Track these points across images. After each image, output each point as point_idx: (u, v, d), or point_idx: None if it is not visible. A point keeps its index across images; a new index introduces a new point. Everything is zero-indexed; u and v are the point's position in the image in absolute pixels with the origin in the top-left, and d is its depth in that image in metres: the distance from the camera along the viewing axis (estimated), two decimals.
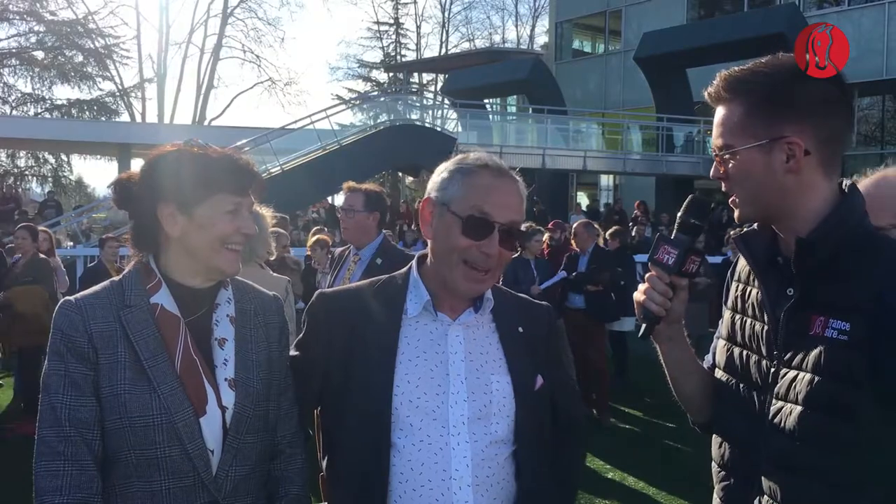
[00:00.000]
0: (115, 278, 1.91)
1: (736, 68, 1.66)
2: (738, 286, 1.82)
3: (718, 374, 1.81)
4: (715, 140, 1.69)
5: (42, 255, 8.10)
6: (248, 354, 1.89)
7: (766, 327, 1.68)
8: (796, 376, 1.57)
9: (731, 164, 1.66)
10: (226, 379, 1.84)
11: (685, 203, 1.75)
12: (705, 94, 1.70)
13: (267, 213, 4.23)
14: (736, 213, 1.71)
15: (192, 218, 1.82)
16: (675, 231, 1.75)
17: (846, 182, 1.67)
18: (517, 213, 1.86)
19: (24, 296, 7.33)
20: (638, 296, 1.74)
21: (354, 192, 4.50)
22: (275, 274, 4.49)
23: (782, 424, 1.58)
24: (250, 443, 1.85)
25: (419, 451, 1.79)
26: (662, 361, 1.88)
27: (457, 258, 1.84)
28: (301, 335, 2.05)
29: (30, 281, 7.55)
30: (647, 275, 1.74)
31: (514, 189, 1.87)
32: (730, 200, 1.70)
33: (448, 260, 1.85)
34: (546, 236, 9.92)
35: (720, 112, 1.68)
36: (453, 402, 1.82)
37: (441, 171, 1.92)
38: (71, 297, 1.84)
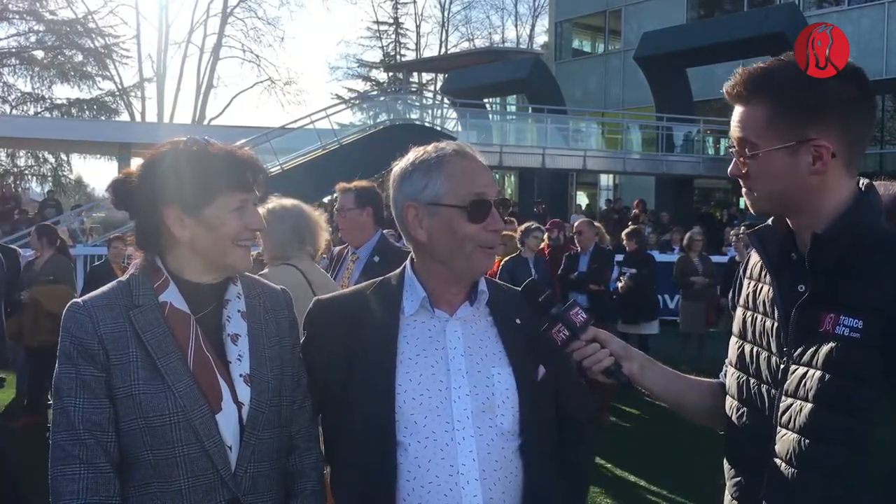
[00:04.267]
0: (122, 278, 1.90)
1: (756, 66, 1.65)
2: (749, 283, 1.82)
3: (730, 370, 1.82)
4: (735, 139, 1.68)
5: (62, 255, 8.07)
6: (260, 350, 1.89)
7: (776, 324, 1.68)
8: (806, 373, 1.57)
9: (753, 164, 1.65)
10: (241, 375, 1.83)
11: (526, 292, 1.88)
12: (723, 90, 1.69)
13: (319, 214, 4.06)
14: (750, 204, 1.71)
15: (199, 220, 1.81)
16: (544, 316, 1.85)
17: (863, 181, 1.67)
18: (496, 184, 1.93)
19: (49, 295, 7.26)
20: (591, 368, 1.83)
21: (345, 191, 4.47)
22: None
23: (792, 421, 1.59)
24: (267, 439, 1.85)
25: (425, 447, 1.80)
26: (655, 395, 1.94)
27: (471, 246, 1.86)
28: (301, 343, 2.05)
29: (51, 281, 7.53)
30: (574, 353, 1.83)
31: (484, 165, 1.93)
32: (744, 192, 1.71)
33: (462, 251, 1.86)
34: (545, 236, 9.91)
35: (740, 110, 1.67)
36: (456, 396, 1.83)
37: (405, 176, 1.92)
38: (79, 300, 1.83)
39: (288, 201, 3.89)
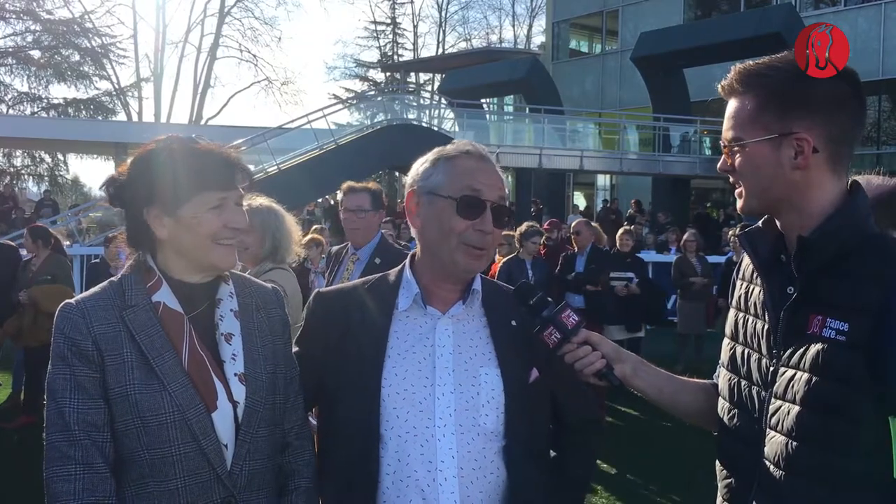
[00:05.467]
0: (114, 278, 1.89)
1: (751, 62, 1.66)
2: (742, 284, 1.82)
3: (722, 372, 1.82)
4: (725, 132, 1.69)
5: (59, 255, 7.98)
6: (254, 348, 1.90)
7: (766, 326, 1.68)
8: (794, 375, 1.57)
9: (738, 157, 1.66)
10: (235, 374, 1.84)
11: (518, 294, 1.89)
12: (719, 87, 1.70)
13: (291, 217, 4.02)
14: (739, 204, 1.72)
15: (178, 219, 1.81)
16: (536, 319, 1.85)
17: (850, 180, 1.66)
18: (503, 191, 1.94)
19: (48, 295, 7.22)
20: (582, 371, 1.83)
21: (359, 191, 4.47)
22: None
23: (780, 424, 1.58)
24: (262, 436, 1.86)
25: (405, 442, 1.81)
26: (648, 397, 1.93)
27: (456, 241, 1.87)
28: (299, 334, 2.08)
29: (49, 280, 7.50)
30: (565, 356, 1.83)
31: (496, 170, 1.95)
32: (736, 192, 1.71)
33: (447, 244, 1.88)
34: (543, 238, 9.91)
35: (732, 105, 1.68)
36: (440, 393, 1.84)
37: (422, 163, 1.96)
38: (71, 300, 1.83)
39: (267, 203, 3.79)
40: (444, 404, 1.84)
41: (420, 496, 1.78)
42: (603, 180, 33.27)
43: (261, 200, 3.74)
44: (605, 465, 6.72)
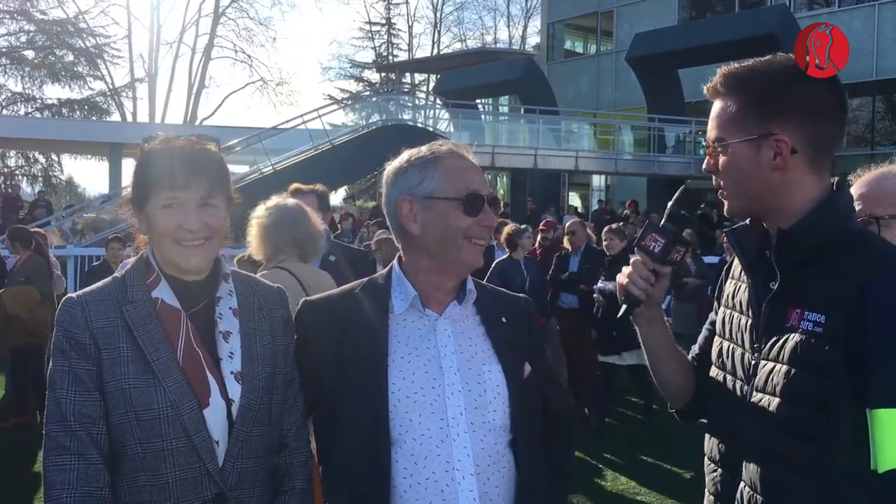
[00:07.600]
0: (118, 274, 1.92)
1: (735, 64, 1.70)
2: (731, 283, 1.86)
3: (712, 368, 1.85)
4: (709, 133, 1.73)
5: (37, 256, 7.95)
6: (252, 347, 1.91)
7: (749, 321, 1.71)
8: (773, 368, 1.61)
9: (721, 157, 1.70)
10: (232, 372, 1.85)
11: (677, 193, 1.89)
12: (705, 89, 1.74)
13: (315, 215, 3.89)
14: (725, 206, 1.76)
15: (146, 216, 1.86)
16: (664, 220, 1.85)
17: (836, 180, 1.70)
18: (487, 184, 2.01)
19: (13, 297, 7.29)
20: (621, 278, 1.86)
21: (308, 193, 4.45)
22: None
23: (762, 416, 1.61)
24: (256, 435, 1.87)
25: (420, 444, 1.83)
26: (642, 344, 1.96)
27: (461, 239, 1.90)
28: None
29: (22, 281, 7.51)
30: (632, 259, 1.85)
31: (476, 164, 2.00)
32: (718, 193, 1.75)
33: (454, 243, 1.91)
34: (539, 237, 9.92)
35: (716, 106, 1.72)
36: (449, 393, 1.86)
37: (402, 170, 1.96)
38: (73, 294, 1.86)
39: (289, 201, 3.79)
40: (454, 404, 1.86)
41: (440, 497, 1.80)
42: (598, 181, 33.29)
43: (273, 202, 3.69)
44: (600, 466, 6.73)
